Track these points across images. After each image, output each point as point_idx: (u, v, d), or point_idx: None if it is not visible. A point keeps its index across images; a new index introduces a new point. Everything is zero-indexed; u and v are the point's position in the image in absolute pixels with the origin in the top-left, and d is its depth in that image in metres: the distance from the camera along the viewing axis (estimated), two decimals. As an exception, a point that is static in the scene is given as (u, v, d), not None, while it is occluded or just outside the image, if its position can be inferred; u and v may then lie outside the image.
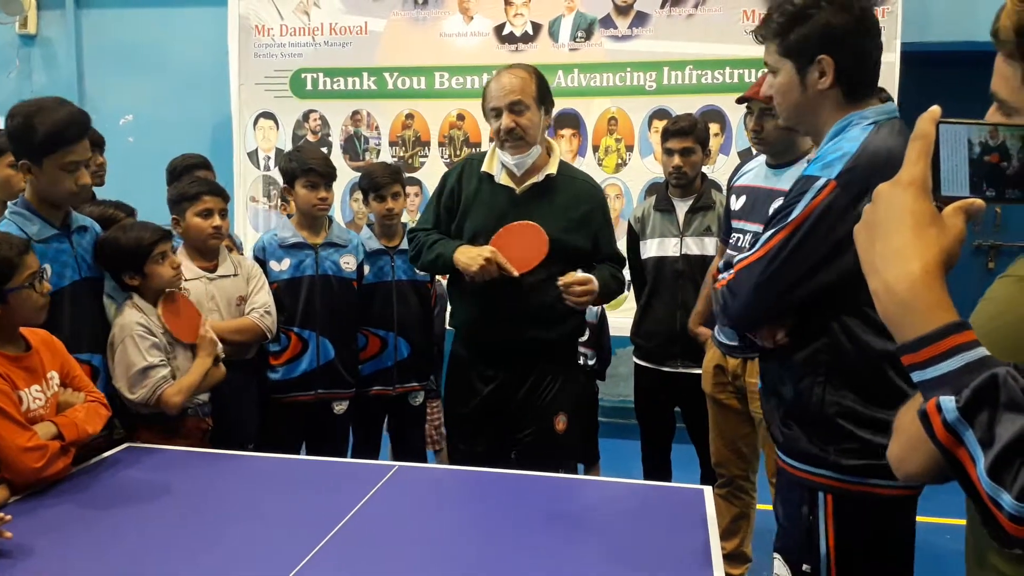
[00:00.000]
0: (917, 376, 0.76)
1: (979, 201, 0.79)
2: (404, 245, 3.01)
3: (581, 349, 3.31)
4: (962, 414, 0.71)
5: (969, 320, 1.28)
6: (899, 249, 0.77)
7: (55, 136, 2.09)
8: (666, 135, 3.03)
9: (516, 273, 2.31)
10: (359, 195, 3.91)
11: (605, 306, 3.52)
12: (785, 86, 1.58)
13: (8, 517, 1.60)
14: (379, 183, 2.96)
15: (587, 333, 3.33)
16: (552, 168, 2.43)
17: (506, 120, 2.34)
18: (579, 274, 2.31)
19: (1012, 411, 0.69)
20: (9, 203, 2.26)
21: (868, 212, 0.82)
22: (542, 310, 2.37)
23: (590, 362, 3.36)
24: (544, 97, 2.39)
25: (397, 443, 3.17)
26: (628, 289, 4.18)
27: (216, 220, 2.57)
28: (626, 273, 2.81)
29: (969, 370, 0.72)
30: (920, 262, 0.76)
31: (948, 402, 0.72)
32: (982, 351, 0.73)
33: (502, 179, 2.46)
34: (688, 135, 2.96)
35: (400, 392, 3.05)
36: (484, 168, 2.47)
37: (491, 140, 4.28)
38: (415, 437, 3.19)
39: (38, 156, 2.11)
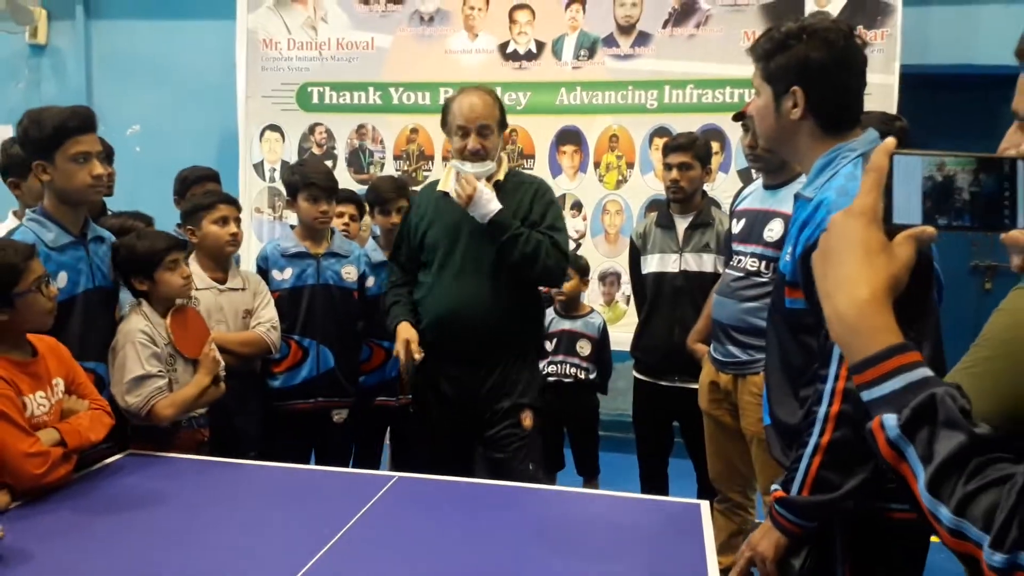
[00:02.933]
0: (865, 396, 0.78)
1: (930, 229, 0.82)
2: None
3: (582, 363, 3.34)
4: (903, 431, 0.74)
5: (983, 329, 1.28)
6: (848, 276, 0.81)
7: (61, 128, 2.11)
8: (666, 151, 3.08)
9: (418, 358, 2.48)
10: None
11: (605, 320, 3.55)
12: (763, 110, 1.61)
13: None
14: (385, 197, 3.02)
15: (589, 348, 3.36)
16: (500, 175, 2.58)
17: (473, 142, 2.52)
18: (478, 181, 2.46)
19: (949, 428, 0.72)
20: (27, 210, 2.27)
21: (823, 240, 0.85)
22: (505, 312, 2.52)
23: (591, 376, 3.38)
24: (503, 120, 2.59)
25: (398, 454, 3.17)
26: (627, 304, 4.24)
27: (232, 227, 2.62)
28: (627, 285, 2.82)
29: (911, 390, 0.75)
30: (868, 288, 0.79)
31: (890, 420, 0.75)
32: (923, 372, 0.76)
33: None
34: (687, 150, 3.00)
35: (404, 404, 3.05)
36: (440, 187, 2.64)
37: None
38: (416, 448, 3.17)
39: (49, 152, 2.13)
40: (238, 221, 2.68)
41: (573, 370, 3.33)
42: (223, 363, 2.40)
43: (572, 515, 1.93)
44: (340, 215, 3.08)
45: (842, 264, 0.82)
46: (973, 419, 0.74)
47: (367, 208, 3.18)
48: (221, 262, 2.66)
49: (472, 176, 2.47)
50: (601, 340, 3.41)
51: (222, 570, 1.58)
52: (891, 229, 0.83)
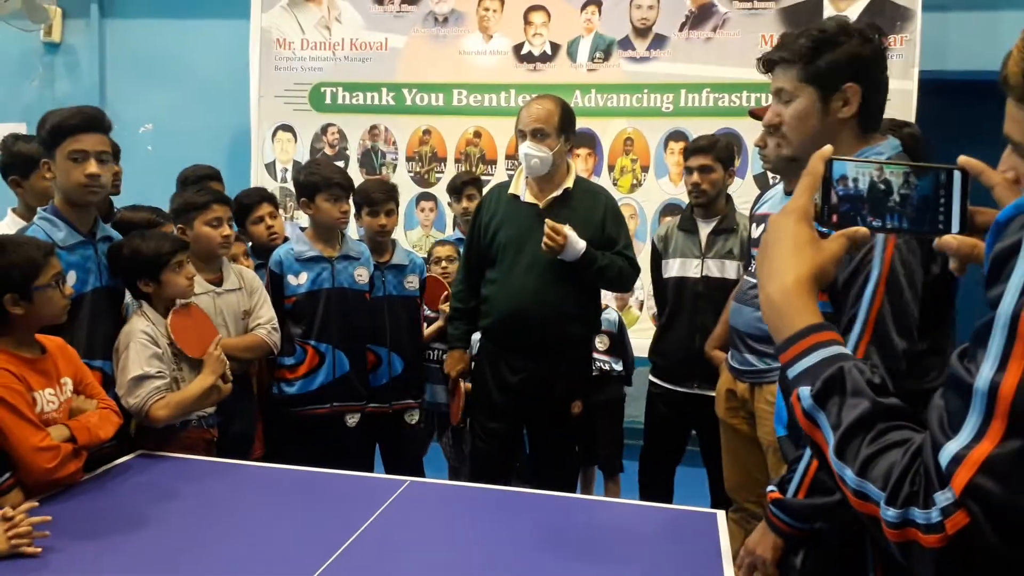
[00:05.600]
0: (789, 373, 0.84)
1: (863, 229, 0.88)
2: (394, 260, 3.03)
3: (606, 357, 3.32)
4: (816, 401, 0.80)
5: None
6: (778, 266, 0.88)
7: (59, 126, 2.15)
8: (687, 153, 3.05)
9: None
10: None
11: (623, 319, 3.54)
12: (803, 113, 1.55)
13: (48, 518, 1.61)
14: (374, 199, 2.96)
15: (608, 342, 3.33)
16: (569, 183, 2.78)
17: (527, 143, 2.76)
18: (565, 227, 2.63)
19: (856, 396, 0.77)
20: (39, 209, 2.29)
21: (763, 237, 0.93)
22: (566, 310, 2.75)
23: (616, 367, 3.36)
24: (566, 126, 2.75)
25: (391, 462, 3.11)
26: (641, 309, 4.20)
27: (225, 229, 2.58)
28: (647, 286, 3.09)
29: (825, 364, 0.81)
30: (793, 275, 0.87)
31: (805, 391, 0.81)
32: (836, 348, 0.82)
33: (527, 197, 2.80)
34: (707, 152, 2.96)
35: (396, 409, 3.01)
36: (511, 191, 2.85)
37: (507, 157, 4.39)
38: (411, 457, 3.12)
39: (50, 149, 2.16)
40: (231, 222, 2.63)
41: (597, 364, 3.29)
42: (227, 363, 2.37)
43: (586, 522, 1.91)
44: (259, 220, 3.08)
45: (774, 257, 0.90)
46: (888, 391, 0.79)
47: (353, 209, 3.09)
48: (212, 263, 2.60)
49: (559, 227, 2.62)
50: (619, 334, 3.39)
51: (233, 573, 1.58)
52: (827, 228, 0.90)
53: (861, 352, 1.44)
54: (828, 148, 0.89)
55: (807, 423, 0.80)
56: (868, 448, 0.74)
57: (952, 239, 0.88)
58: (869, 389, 0.77)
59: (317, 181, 2.83)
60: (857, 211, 0.88)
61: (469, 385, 2.94)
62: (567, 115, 2.76)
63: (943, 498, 0.67)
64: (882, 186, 0.87)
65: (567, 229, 2.62)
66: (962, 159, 0.88)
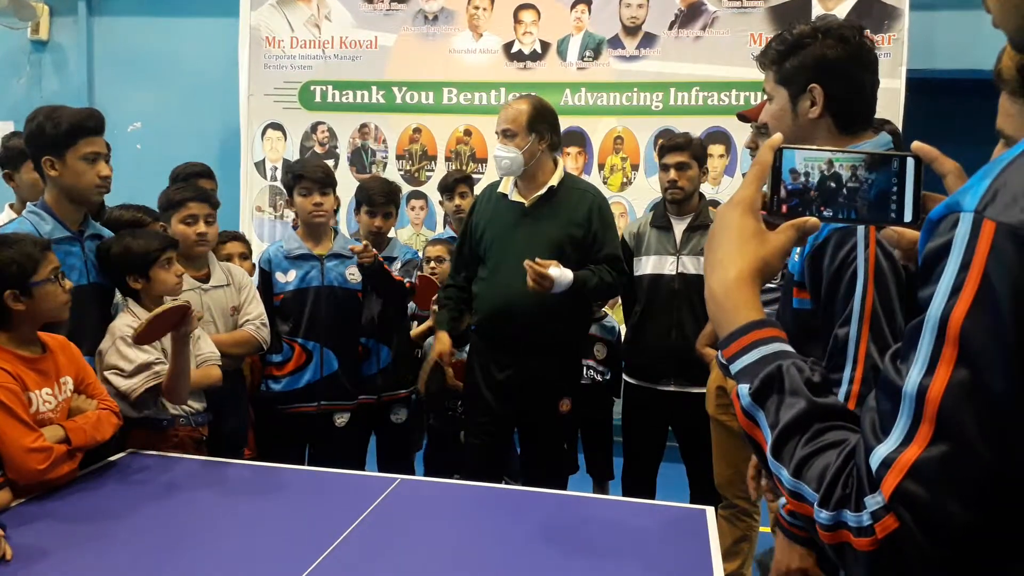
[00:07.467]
0: (731, 369, 0.82)
1: (812, 219, 0.85)
2: (385, 253, 3.03)
3: (598, 366, 3.32)
4: (754, 399, 0.78)
5: None
6: (722, 259, 0.86)
7: (76, 127, 2.19)
8: (663, 151, 3.04)
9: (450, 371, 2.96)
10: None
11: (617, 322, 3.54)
12: (778, 113, 1.61)
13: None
14: (374, 200, 3.00)
15: (605, 351, 3.33)
16: (554, 181, 2.77)
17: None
18: (550, 266, 2.57)
19: (793, 396, 0.76)
20: (28, 203, 2.32)
21: (711, 228, 0.91)
22: (553, 309, 2.70)
23: (607, 377, 3.36)
24: (535, 124, 2.71)
25: (383, 458, 3.12)
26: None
27: (201, 227, 2.54)
28: None
29: (764, 362, 0.79)
30: (736, 269, 0.84)
31: (743, 389, 0.79)
32: (778, 345, 0.80)
33: (514, 196, 2.80)
34: (684, 150, 2.97)
35: (386, 401, 3.02)
36: (500, 190, 2.86)
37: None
38: (401, 454, 3.13)
39: (60, 150, 2.19)
40: (210, 219, 2.58)
41: (590, 372, 3.29)
42: (207, 354, 2.35)
43: (577, 519, 1.92)
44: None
45: (718, 248, 0.87)
46: (827, 390, 0.77)
47: (355, 205, 3.12)
48: (194, 260, 2.57)
49: (540, 268, 2.55)
50: (617, 343, 3.38)
51: (224, 571, 1.58)
52: (775, 219, 0.87)
53: (863, 349, 1.45)
54: (778, 137, 0.87)
55: (747, 422, 0.79)
56: (803, 449, 0.73)
57: (894, 232, 0.87)
58: (806, 388, 0.76)
59: (289, 179, 2.86)
60: (808, 201, 0.85)
61: (452, 368, 2.97)
62: (538, 113, 2.72)
63: (873, 502, 0.67)
64: (834, 175, 0.84)
65: (551, 270, 2.56)
66: (915, 145, 0.87)
